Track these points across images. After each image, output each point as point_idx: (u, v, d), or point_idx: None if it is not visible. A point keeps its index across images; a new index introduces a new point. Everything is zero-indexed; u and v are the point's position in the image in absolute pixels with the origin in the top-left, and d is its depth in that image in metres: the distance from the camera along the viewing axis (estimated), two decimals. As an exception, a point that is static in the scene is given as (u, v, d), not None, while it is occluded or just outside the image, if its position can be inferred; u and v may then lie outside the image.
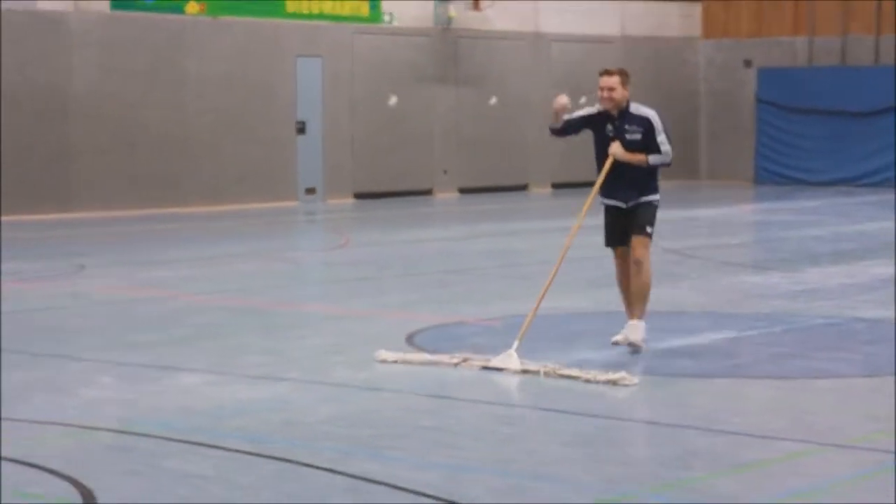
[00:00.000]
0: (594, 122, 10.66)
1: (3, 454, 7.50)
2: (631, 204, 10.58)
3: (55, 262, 17.08)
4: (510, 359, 9.80)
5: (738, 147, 33.14)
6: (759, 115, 32.67)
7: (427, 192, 28.70)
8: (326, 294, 15.06)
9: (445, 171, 28.97)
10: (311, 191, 26.93)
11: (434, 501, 6.67)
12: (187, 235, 20.82)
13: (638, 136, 10.49)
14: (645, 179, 10.58)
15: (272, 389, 9.37)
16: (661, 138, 10.47)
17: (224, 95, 25.59)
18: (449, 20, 28.65)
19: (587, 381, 9.34)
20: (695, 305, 13.39)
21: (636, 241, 10.53)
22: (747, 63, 32.99)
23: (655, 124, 10.48)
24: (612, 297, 11.32)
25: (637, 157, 10.48)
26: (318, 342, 11.42)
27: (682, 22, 33.23)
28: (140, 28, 24.55)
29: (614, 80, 10.48)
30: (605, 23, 31.69)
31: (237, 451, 7.63)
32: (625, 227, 10.60)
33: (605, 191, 10.67)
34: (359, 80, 27.58)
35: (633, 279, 10.52)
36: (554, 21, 30.69)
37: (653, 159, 10.48)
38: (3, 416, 8.48)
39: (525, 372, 9.65)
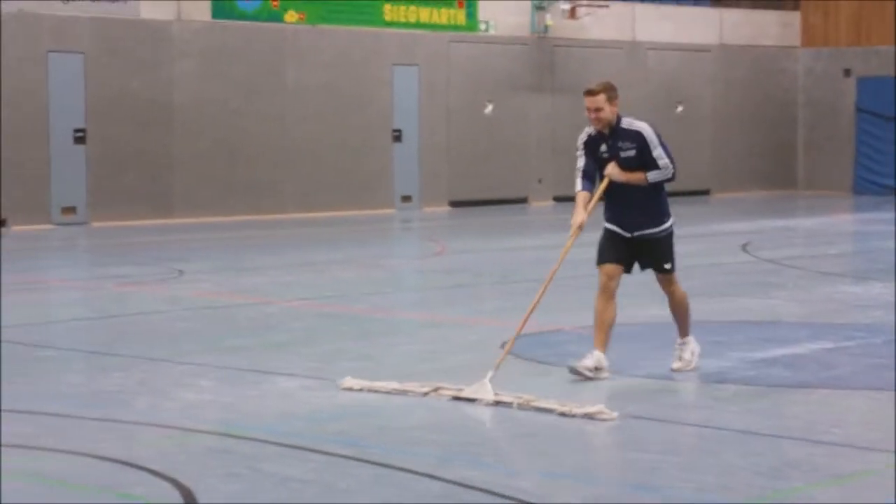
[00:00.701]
0: (593, 147, 10.04)
1: (106, 455, 7.65)
2: (636, 235, 9.96)
3: (155, 267, 17.30)
4: (483, 388, 9.21)
5: (837, 157, 32.80)
6: (859, 125, 32.32)
7: (522, 201, 28.71)
8: (422, 301, 15.12)
9: (540, 180, 28.96)
10: (407, 198, 27.05)
11: (529, 508, 6.71)
12: (285, 242, 21.00)
13: (632, 153, 9.82)
14: (651, 201, 9.93)
15: (368, 395, 9.43)
16: (658, 152, 9.82)
17: (322, 103, 25.79)
18: (545, 28, 28.66)
19: (562, 414, 8.73)
20: (792, 315, 13.29)
21: (660, 277, 10.08)
22: (846, 72, 32.64)
23: (649, 139, 9.82)
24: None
25: (634, 177, 9.82)
26: (414, 349, 11.48)
27: (780, 31, 32.98)
28: (241, 37, 24.82)
29: (600, 100, 9.78)
30: (703, 31, 31.53)
31: (335, 455, 7.70)
32: (626, 251, 9.99)
33: (609, 215, 10.08)
34: (455, 89, 27.66)
35: (670, 302, 10.13)
36: (651, 29, 30.58)
37: (651, 176, 9.80)
38: (104, 417, 8.66)
39: (498, 403, 9.06)
